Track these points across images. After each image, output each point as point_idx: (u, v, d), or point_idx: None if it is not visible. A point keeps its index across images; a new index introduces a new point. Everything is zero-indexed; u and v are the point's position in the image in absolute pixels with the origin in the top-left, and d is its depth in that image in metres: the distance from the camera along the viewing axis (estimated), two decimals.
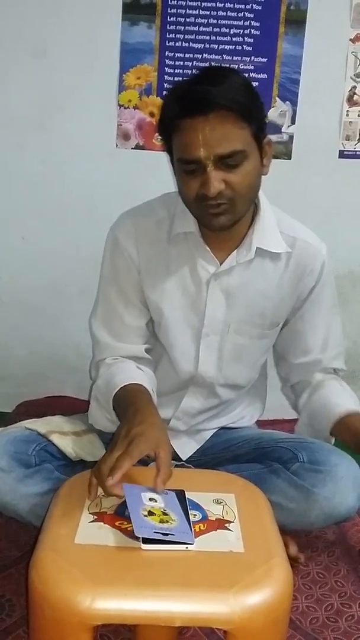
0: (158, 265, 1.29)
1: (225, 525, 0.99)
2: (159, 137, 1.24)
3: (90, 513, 0.99)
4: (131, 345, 1.31)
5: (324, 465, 1.23)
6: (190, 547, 0.92)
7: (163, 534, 0.92)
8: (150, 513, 0.97)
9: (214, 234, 1.24)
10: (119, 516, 0.99)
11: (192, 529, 0.96)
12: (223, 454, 1.38)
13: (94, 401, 1.28)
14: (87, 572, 0.86)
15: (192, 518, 0.98)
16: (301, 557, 1.27)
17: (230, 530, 0.98)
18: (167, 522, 0.96)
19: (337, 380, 1.40)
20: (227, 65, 1.26)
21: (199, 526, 0.97)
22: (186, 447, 1.41)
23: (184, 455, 1.41)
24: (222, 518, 1.00)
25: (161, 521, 0.95)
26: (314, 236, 1.34)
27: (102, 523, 0.97)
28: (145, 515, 0.96)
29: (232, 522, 0.99)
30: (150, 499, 0.99)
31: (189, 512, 0.99)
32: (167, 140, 1.19)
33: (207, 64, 1.92)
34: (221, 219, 1.16)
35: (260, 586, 0.87)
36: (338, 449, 1.28)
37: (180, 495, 1.03)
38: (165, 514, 0.97)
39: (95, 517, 0.98)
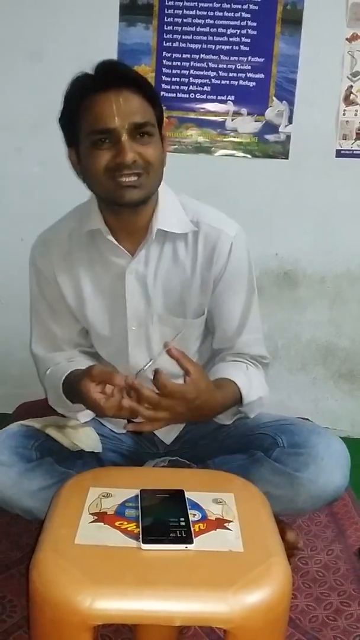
0: (73, 273, 1.32)
1: (225, 524, 0.99)
2: (61, 125, 1.25)
3: (90, 513, 0.99)
4: (64, 353, 1.38)
5: (304, 448, 1.22)
6: (189, 546, 0.92)
7: None
8: None
9: (120, 227, 1.26)
10: (119, 516, 0.99)
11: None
12: (213, 445, 1.39)
13: (52, 390, 1.34)
14: (88, 573, 0.86)
15: (191, 518, 0.98)
16: (300, 542, 1.27)
17: (229, 529, 0.98)
18: None
19: (251, 365, 1.34)
20: None
21: (199, 526, 0.98)
22: (168, 434, 1.42)
23: (167, 440, 1.42)
24: (221, 517, 1.00)
25: None
26: (221, 218, 1.31)
27: (102, 523, 0.97)
28: None
29: (232, 521, 1.00)
30: None
31: (189, 512, 0.99)
32: (72, 125, 1.21)
33: (204, 65, 1.93)
34: (134, 192, 1.18)
35: (260, 585, 0.87)
36: (317, 428, 1.28)
37: (180, 495, 1.04)
38: None
39: (96, 517, 0.99)
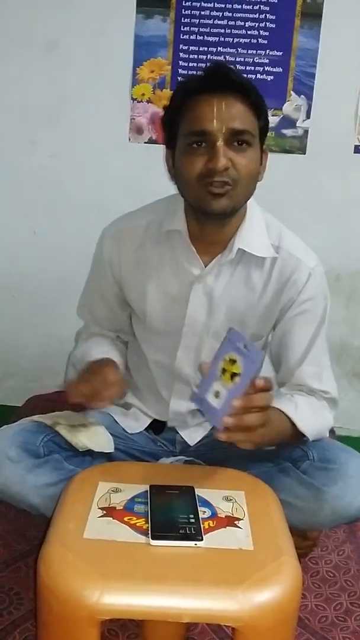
0: (142, 268, 1.31)
1: (235, 522, 0.98)
2: (163, 125, 1.23)
3: (99, 508, 0.99)
4: (103, 330, 1.43)
5: (334, 464, 1.21)
6: (199, 543, 0.91)
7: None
8: (224, 370, 0.98)
9: (201, 234, 1.24)
10: (128, 511, 0.98)
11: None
12: (234, 450, 1.38)
13: (71, 367, 1.36)
14: (96, 567, 0.86)
15: (201, 515, 0.97)
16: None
17: (239, 527, 0.97)
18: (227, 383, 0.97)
19: (299, 394, 1.29)
20: None
21: (208, 523, 0.97)
22: (194, 434, 1.41)
23: (191, 441, 1.41)
24: (231, 515, 1.00)
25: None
26: (302, 247, 1.29)
27: (111, 518, 0.96)
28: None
29: (242, 519, 0.99)
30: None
31: (199, 509, 0.98)
32: (174, 125, 1.18)
33: (221, 58, 1.91)
34: (222, 201, 1.15)
35: (269, 584, 0.86)
36: (349, 447, 1.27)
37: (190, 491, 1.02)
38: (232, 377, 0.97)
39: (105, 512, 0.98)
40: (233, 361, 0.97)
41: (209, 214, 1.17)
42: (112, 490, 1.03)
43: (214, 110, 1.11)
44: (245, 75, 1.19)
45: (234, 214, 1.21)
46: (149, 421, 1.42)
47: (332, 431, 1.78)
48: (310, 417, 1.24)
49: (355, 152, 1.96)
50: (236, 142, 1.13)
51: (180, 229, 1.25)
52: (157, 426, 1.42)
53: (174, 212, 1.26)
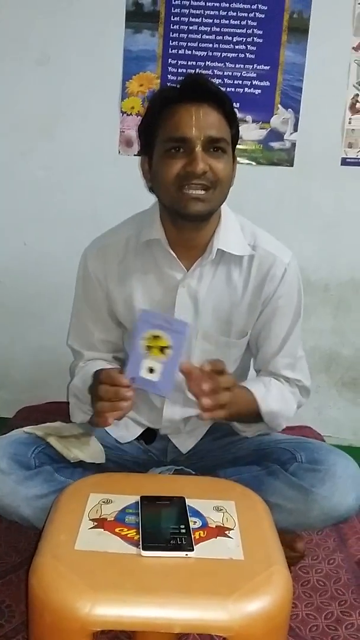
0: (126, 281, 1.33)
1: (225, 532, 0.98)
2: (139, 132, 1.28)
3: (90, 519, 0.99)
4: (100, 353, 1.40)
5: (322, 465, 1.23)
6: (189, 554, 0.92)
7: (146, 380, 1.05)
8: (149, 348, 1.04)
9: (180, 240, 1.27)
10: (119, 522, 0.99)
11: (173, 383, 1.06)
12: (224, 456, 1.39)
13: (73, 398, 1.34)
14: (87, 579, 0.86)
15: (192, 525, 0.98)
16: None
17: (230, 537, 0.97)
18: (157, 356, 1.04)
19: (272, 379, 1.35)
20: None
21: (199, 533, 0.97)
22: (186, 442, 1.42)
23: (184, 449, 1.42)
24: (222, 525, 1.00)
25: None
26: (276, 244, 1.33)
27: (102, 529, 0.97)
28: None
29: (232, 529, 0.99)
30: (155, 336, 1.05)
31: (189, 519, 0.99)
32: (150, 133, 1.23)
33: (210, 72, 1.94)
34: (199, 205, 1.19)
35: (260, 593, 0.87)
36: (336, 449, 1.28)
37: (181, 502, 1.03)
38: (162, 351, 1.03)
39: (95, 523, 0.98)
40: (156, 337, 1.04)
41: (186, 215, 1.21)
42: (103, 502, 1.04)
43: (193, 118, 1.17)
44: (217, 86, 1.24)
45: (209, 218, 1.25)
46: (140, 430, 1.42)
47: (321, 440, 1.80)
48: (274, 402, 1.30)
49: (342, 164, 1.99)
50: (212, 149, 1.18)
51: (159, 237, 1.28)
52: (148, 435, 1.43)
53: (151, 222, 1.30)
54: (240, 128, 1.27)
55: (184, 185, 1.18)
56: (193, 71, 1.95)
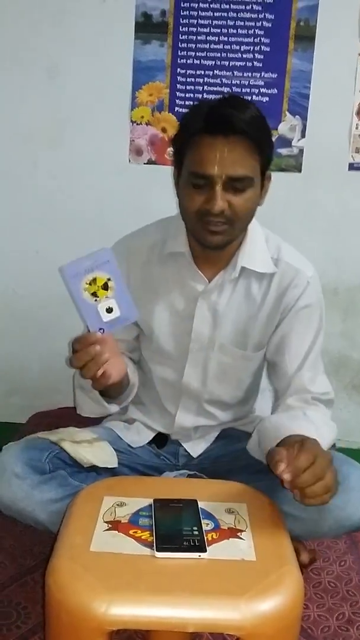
0: (148, 286, 1.35)
1: (237, 534, 1.00)
2: (172, 149, 1.29)
3: (104, 522, 1.01)
4: None
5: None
6: (203, 555, 0.94)
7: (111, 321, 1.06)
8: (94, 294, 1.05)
9: (203, 255, 1.30)
10: (133, 525, 1.01)
11: (133, 302, 1.06)
12: (235, 463, 1.40)
13: (78, 389, 1.34)
14: (103, 579, 0.88)
15: (204, 527, 1.00)
16: (313, 559, 1.32)
17: (242, 539, 0.99)
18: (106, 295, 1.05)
19: (309, 409, 1.30)
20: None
21: (212, 535, 0.99)
22: (197, 446, 1.44)
23: (195, 453, 1.44)
24: (234, 527, 1.02)
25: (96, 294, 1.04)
26: (300, 259, 1.35)
27: (116, 531, 0.99)
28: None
29: (244, 530, 1.01)
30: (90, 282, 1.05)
31: (202, 521, 1.01)
32: (180, 153, 1.24)
33: (218, 81, 1.97)
34: (217, 238, 1.22)
35: (272, 593, 0.89)
36: (350, 459, 1.29)
37: (193, 504, 1.05)
38: (106, 287, 1.04)
39: (110, 525, 1.00)
40: (93, 281, 1.04)
41: (205, 246, 1.24)
42: (117, 505, 1.06)
43: (216, 157, 1.15)
44: (249, 111, 1.18)
45: (231, 244, 1.27)
46: (152, 435, 1.44)
47: (332, 445, 1.81)
48: (326, 433, 1.25)
49: (349, 169, 2.01)
50: (234, 187, 1.17)
51: (184, 251, 1.31)
52: (160, 440, 1.45)
53: (176, 234, 1.32)
54: None
55: (203, 220, 1.20)
56: (202, 80, 1.97)
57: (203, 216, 1.20)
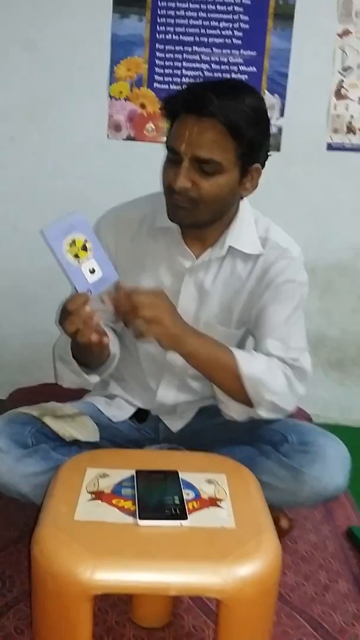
0: (136, 259, 1.36)
1: (217, 503, 1.03)
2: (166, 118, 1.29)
3: (88, 492, 1.03)
4: None
5: (312, 446, 1.27)
6: (184, 522, 0.96)
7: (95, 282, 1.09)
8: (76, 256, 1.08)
9: (191, 232, 1.31)
10: (116, 495, 1.03)
11: (111, 263, 1.10)
12: (217, 436, 1.43)
13: (58, 361, 1.35)
14: (88, 546, 0.90)
15: (185, 496, 1.02)
16: (291, 526, 1.37)
17: (221, 507, 1.02)
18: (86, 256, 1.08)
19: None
20: (251, 86, 1.28)
21: (192, 504, 1.01)
22: (177, 422, 1.46)
23: (174, 428, 1.46)
24: (213, 497, 1.04)
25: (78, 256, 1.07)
26: (288, 240, 1.36)
27: (100, 501, 1.01)
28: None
29: (224, 500, 1.04)
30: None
31: (183, 491, 1.03)
32: (170, 123, 1.25)
33: (197, 57, 1.96)
34: (180, 213, 1.23)
35: (251, 558, 0.92)
36: (327, 432, 1.33)
37: (174, 475, 1.07)
38: (85, 249, 1.07)
39: (93, 496, 1.02)
40: (72, 242, 1.07)
41: (173, 221, 1.26)
42: (100, 476, 1.08)
43: (185, 134, 1.17)
44: (238, 98, 1.17)
45: (205, 226, 1.28)
46: (133, 410, 1.46)
47: (308, 418, 1.85)
48: (256, 367, 1.26)
49: (328, 149, 2.03)
50: (201, 167, 1.18)
51: (172, 227, 1.31)
52: (140, 415, 1.47)
53: (165, 207, 1.30)
54: None
55: (170, 195, 1.22)
56: (181, 56, 1.97)
57: (170, 190, 1.21)
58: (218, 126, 1.16)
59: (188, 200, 1.20)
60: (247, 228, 1.32)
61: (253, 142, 1.20)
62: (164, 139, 1.97)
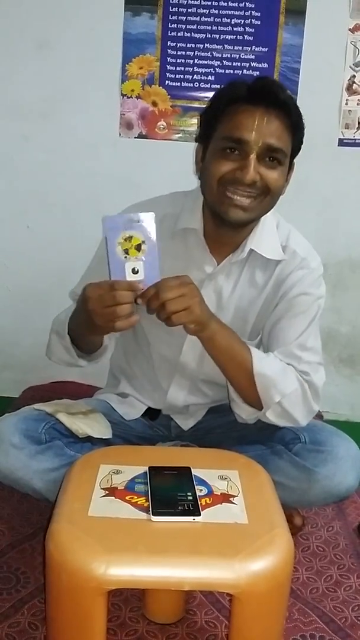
0: None
1: (230, 499, 1.04)
2: (201, 120, 1.27)
3: (102, 488, 1.04)
4: None
5: (324, 446, 1.27)
6: (197, 518, 0.97)
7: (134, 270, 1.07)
8: (127, 251, 1.07)
9: (215, 235, 1.28)
10: (130, 491, 1.04)
11: (160, 274, 1.08)
12: (228, 434, 1.43)
13: (54, 334, 1.35)
14: (101, 542, 0.91)
15: (198, 493, 1.03)
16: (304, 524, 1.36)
17: (234, 503, 1.03)
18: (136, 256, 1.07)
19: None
20: None
21: (205, 500, 1.02)
22: (188, 420, 1.47)
23: (185, 427, 1.46)
24: (226, 493, 1.05)
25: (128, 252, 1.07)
26: (308, 248, 1.33)
27: (113, 497, 1.02)
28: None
29: (236, 496, 1.05)
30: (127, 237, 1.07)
31: (196, 487, 1.04)
32: (211, 123, 1.21)
33: (208, 54, 1.96)
34: (240, 212, 1.19)
35: (264, 554, 0.92)
36: (339, 431, 1.33)
37: (187, 471, 1.08)
38: (138, 249, 1.07)
39: (107, 492, 1.03)
40: (129, 238, 1.06)
41: (225, 221, 1.21)
42: (113, 472, 1.09)
43: (255, 123, 1.14)
44: (288, 93, 1.20)
45: (250, 225, 1.25)
46: (144, 408, 1.47)
47: (319, 415, 1.85)
48: (270, 367, 1.23)
49: (339, 145, 2.02)
50: (268, 158, 1.16)
51: (197, 228, 1.28)
52: (152, 413, 1.48)
53: (191, 209, 1.29)
54: None
55: (229, 189, 1.17)
56: (192, 53, 1.97)
57: (230, 184, 1.17)
58: (283, 118, 1.16)
59: (253, 196, 1.17)
60: (268, 232, 1.29)
61: (301, 138, 1.23)
62: (176, 136, 2.01)
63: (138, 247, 1.07)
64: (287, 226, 1.34)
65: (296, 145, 1.22)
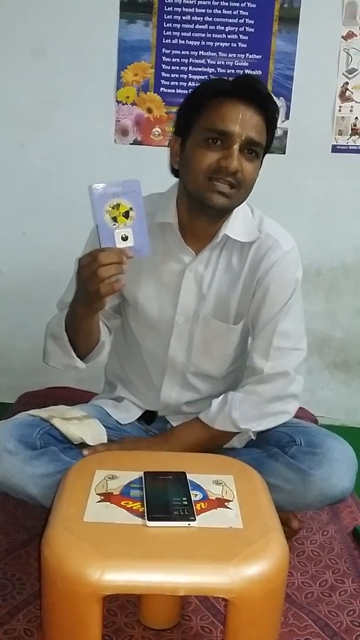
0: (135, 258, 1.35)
1: (225, 504, 1.04)
2: (179, 113, 1.30)
3: (97, 494, 1.04)
4: None
5: (320, 448, 1.28)
6: (192, 523, 0.97)
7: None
8: (115, 219, 1.08)
9: (191, 227, 1.32)
10: (125, 496, 1.04)
11: (149, 239, 1.10)
12: None
13: (49, 338, 1.36)
14: (97, 547, 0.91)
15: (193, 497, 1.03)
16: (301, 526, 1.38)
17: (229, 508, 1.03)
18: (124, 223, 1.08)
19: (239, 391, 1.35)
20: None
21: (200, 505, 1.02)
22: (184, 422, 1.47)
23: None
24: (221, 497, 1.05)
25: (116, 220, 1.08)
26: (281, 232, 1.36)
27: (108, 503, 1.02)
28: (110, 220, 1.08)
29: (231, 501, 1.05)
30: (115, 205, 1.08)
31: (191, 492, 1.04)
32: (191, 116, 1.25)
33: (203, 61, 1.98)
34: (222, 199, 1.23)
35: (259, 558, 0.93)
36: (333, 434, 1.34)
37: (182, 476, 1.09)
38: (126, 216, 1.07)
39: (102, 497, 1.03)
40: (116, 206, 1.07)
41: (209, 207, 1.25)
42: (109, 478, 1.09)
43: (240, 116, 1.19)
44: (269, 92, 1.27)
45: (227, 213, 1.29)
46: (140, 412, 1.47)
47: (314, 420, 1.86)
48: (214, 408, 1.33)
49: (333, 151, 2.04)
50: (248, 151, 1.21)
51: (172, 222, 1.32)
52: (148, 416, 1.48)
53: (166, 205, 1.34)
54: None
55: (213, 178, 1.21)
56: (187, 60, 1.98)
57: (215, 174, 1.21)
58: (262, 114, 1.22)
59: (232, 185, 1.22)
60: (242, 218, 1.34)
61: (273, 136, 1.28)
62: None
63: (126, 214, 1.08)
64: (261, 213, 1.38)
65: (269, 142, 1.27)
